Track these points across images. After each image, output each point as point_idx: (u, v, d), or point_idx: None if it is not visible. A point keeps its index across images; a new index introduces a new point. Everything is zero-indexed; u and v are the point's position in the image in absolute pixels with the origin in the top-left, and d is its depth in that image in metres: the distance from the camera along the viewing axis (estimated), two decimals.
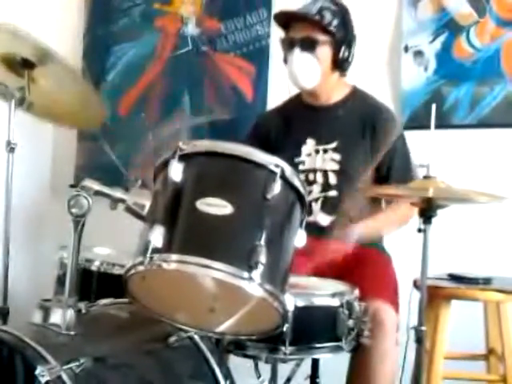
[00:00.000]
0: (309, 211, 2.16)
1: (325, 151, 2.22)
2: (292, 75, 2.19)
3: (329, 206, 2.19)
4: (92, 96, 2.44)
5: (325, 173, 2.20)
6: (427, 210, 1.70)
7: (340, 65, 2.20)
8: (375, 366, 1.89)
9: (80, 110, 2.43)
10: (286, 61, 2.22)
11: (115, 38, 3.25)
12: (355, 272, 1.99)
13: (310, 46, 2.14)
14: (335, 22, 2.15)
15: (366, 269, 2.06)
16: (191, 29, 3.12)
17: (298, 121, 2.29)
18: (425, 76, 2.70)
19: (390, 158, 2.18)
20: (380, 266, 2.15)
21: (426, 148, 1.76)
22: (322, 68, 2.17)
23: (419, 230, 1.71)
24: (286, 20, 2.21)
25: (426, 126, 1.77)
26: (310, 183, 2.20)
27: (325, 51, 2.16)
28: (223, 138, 1.48)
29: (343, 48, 2.17)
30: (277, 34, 2.86)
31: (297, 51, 2.15)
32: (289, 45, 2.18)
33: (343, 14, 2.18)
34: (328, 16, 2.14)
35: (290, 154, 2.21)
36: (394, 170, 2.19)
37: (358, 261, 2.06)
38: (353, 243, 2.01)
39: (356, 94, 2.29)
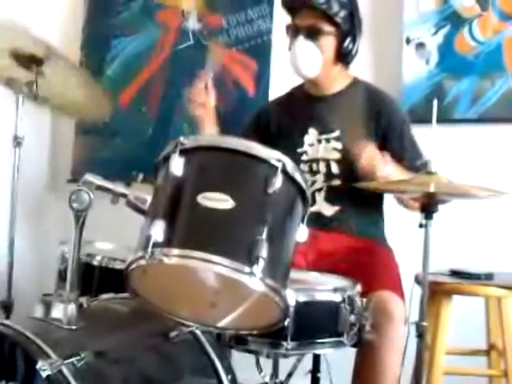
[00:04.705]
0: (312, 201, 2.17)
1: (327, 140, 2.21)
2: (293, 62, 2.18)
3: (332, 195, 2.18)
4: (96, 92, 2.45)
5: (327, 162, 2.20)
6: (429, 206, 1.70)
7: (343, 57, 2.19)
8: (383, 358, 1.87)
9: (85, 104, 2.44)
10: (290, 48, 2.21)
11: (115, 31, 3.24)
12: (359, 265, 1.99)
13: (314, 34, 2.14)
14: (342, 14, 2.13)
15: (370, 261, 2.06)
16: (192, 23, 3.10)
17: (299, 111, 2.29)
18: (426, 69, 2.68)
19: (400, 140, 2.18)
20: (384, 258, 2.15)
21: (427, 143, 1.76)
22: (324, 58, 2.16)
23: (421, 226, 1.71)
24: (293, 6, 2.20)
25: (427, 120, 1.76)
26: (314, 173, 2.20)
27: (328, 41, 2.16)
28: (224, 133, 1.48)
29: (348, 40, 2.16)
30: (279, 29, 2.87)
31: (300, 39, 2.14)
32: (293, 32, 2.18)
33: (351, 7, 2.17)
34: (336, 6, 2.12)
35: (293, 144, 2.21)
36: (405, 151, 2.17)
37: (361, 254, 2.07)
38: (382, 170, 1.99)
39: (357, 84, 2.29)
